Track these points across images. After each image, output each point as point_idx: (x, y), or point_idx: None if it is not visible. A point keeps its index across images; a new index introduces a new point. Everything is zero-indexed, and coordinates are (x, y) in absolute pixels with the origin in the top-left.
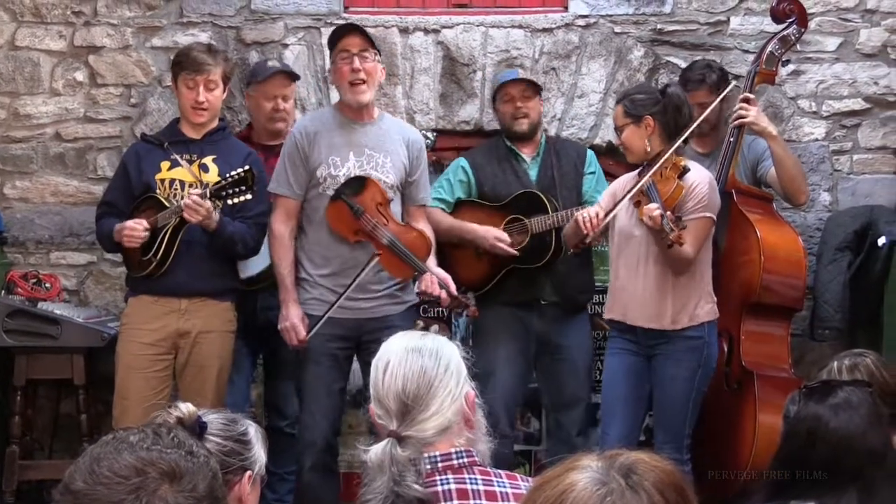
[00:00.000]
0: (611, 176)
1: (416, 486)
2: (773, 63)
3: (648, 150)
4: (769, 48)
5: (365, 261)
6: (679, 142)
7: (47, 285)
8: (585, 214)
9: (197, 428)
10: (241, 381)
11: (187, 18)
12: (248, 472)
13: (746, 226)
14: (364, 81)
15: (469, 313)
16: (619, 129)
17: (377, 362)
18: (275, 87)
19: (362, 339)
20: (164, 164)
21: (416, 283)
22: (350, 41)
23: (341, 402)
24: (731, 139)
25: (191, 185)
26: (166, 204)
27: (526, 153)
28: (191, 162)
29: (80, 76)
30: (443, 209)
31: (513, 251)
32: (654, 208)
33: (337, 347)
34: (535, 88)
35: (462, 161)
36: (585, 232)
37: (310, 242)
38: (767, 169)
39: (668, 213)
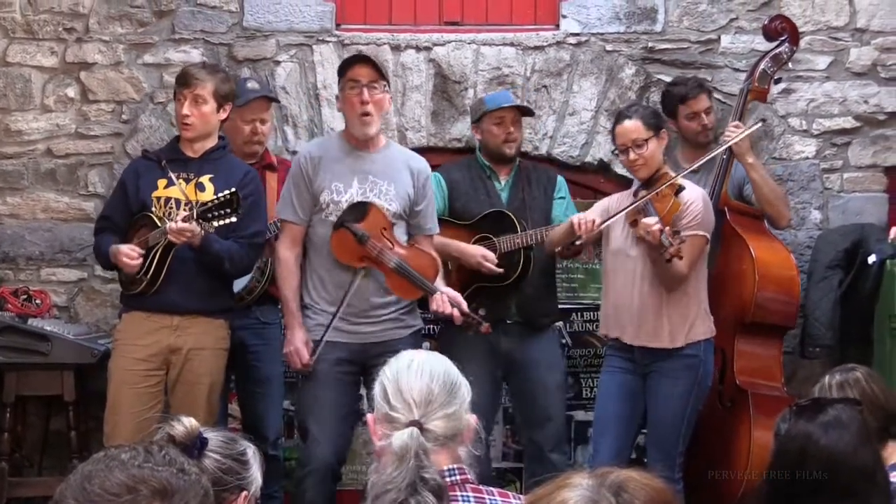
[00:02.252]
0: (601, 194)
1: (438, 476)
2: (765, 81)
3: (663, 162)
4: (761, 66)
5: (369, 285)
6: (697, 165)
7: (37, 301)
8: (582, 216)
9: (198, 443)
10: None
11: (179, 35)
12: (245, 493)
13: (740, 244)
14: (371, 114)
15: (483, 330)
16: (638, 144)
17: (397, 364)
18: (254, 111)
19: (367, 364)
20: (161, 182)
21: (428, 303)
22: (360, 71)
23: (348, 428)
24: (724, 157)
25: (185, 204)
26: (158, 223)
27: (502, 175)
28: (187, 181)
29: (72, 92)
30: None
31: (498, 270)
32: (652, 223)
33: (342, 372)
34: (525, 114)
35: (437, 175)
36: (578, 234)
37: (312, 268)
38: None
39: (667, 228)
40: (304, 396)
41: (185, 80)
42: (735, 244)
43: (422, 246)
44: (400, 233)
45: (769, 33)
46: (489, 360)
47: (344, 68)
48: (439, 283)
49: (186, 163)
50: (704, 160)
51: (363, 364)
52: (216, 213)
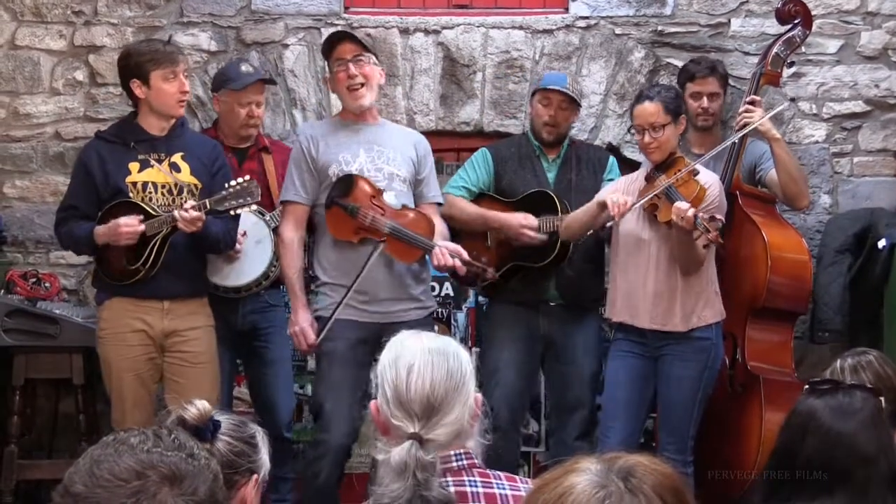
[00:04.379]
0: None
1: (442, 489)
2: (778, 65)
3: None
4: (774, 50)
5: (382, 263)
6: (721, 149)
7: (46, 285)
8: (617, 198)
9: (211, 425)
10: (223, 384)
11: (187, 18)
12: (256, 476)
13: (752, 228)
14: (362, 85)
15: (489, 276)
16: (655, 127)
17: (396, 363)
18: (251, 94)
19: (382, 343)
20: (133, 166)
21: (429, 260)
22: (343, 48)
23: (361, 408)
24: (736, 140)
25: (162, 186)
26: (146, 208)
27: (550, 154)
28: (160, 161)
29: (80, 75)
30: (465, 198)
31: (539, 236)
32: (686, 208)
33: (360, 352)
34: (574, 102)
35: (486, 151)
36: (613, 216)
37: (324, 247)
38: (767, 171)
39: (700, 213)
40: (321, 375)
41: (171, 58)
42: (747, 228)
43: (426, 212)
44: (408, 201)
45: (782, 16)
46: (528, 344)
47: (328, 49)
48: (437, 239)
49: (153, 142)
50: (725, 145)
51: (378, 343)
52: (234, 203)
